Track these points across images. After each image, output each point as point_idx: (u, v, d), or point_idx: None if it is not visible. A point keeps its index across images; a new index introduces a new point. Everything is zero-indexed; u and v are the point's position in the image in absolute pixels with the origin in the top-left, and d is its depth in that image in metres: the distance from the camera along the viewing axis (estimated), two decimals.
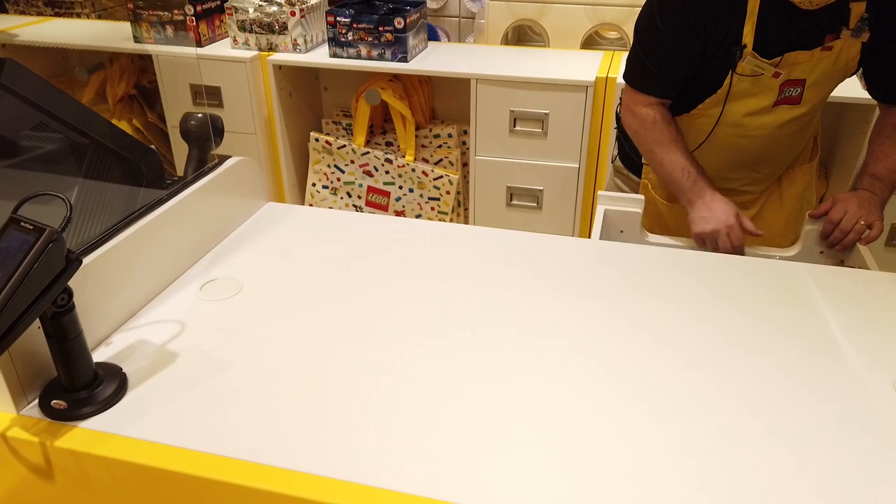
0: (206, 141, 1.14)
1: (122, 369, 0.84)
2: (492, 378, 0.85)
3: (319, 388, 0.83)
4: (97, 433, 0.78)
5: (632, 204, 1.35)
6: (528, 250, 1.13)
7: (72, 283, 0.77)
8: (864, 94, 1.62)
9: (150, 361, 0.87)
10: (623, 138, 1.59)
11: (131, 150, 1.06)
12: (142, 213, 0.99)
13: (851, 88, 1.39)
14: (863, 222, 1.26)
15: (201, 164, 1.14)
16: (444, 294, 1.01)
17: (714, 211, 1.28)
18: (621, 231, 1.38)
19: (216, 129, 1.15)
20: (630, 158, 1.54)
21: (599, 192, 1.41)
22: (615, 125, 1.65)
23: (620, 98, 1.48)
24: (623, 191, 1.59)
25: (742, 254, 1.27)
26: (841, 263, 1.31)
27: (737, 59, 1.25)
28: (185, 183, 1.09)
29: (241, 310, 0.98)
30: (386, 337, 0.92)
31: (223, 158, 1.19)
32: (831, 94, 1.38)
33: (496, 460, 0.73)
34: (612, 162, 1.64)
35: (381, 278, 1.05)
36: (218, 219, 1.14)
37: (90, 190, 1.01)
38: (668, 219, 1.49)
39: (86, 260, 0.88)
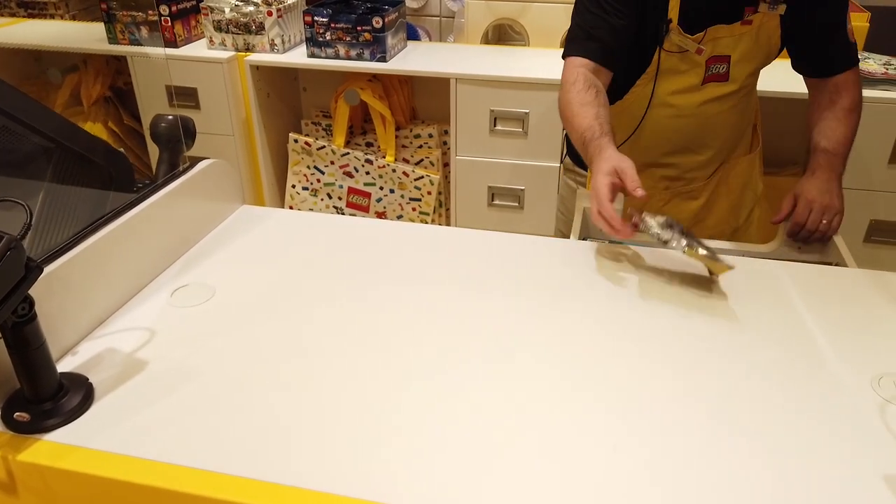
0: (176, 143, 1.12)
1: (88, 379, 0.82)
2: (470, 383, 0.84)
3: (293, 397, 0.82)
4: (62, 446, 0.75)
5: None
6: (508, 252, 1.12)
7: (34, 291, 0.74)
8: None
9: (117, 371, 0.85)
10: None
11: (99, 153, 1.04)
12: (109, 218, 0.97)
13: (796, 83, 1.42)
14: (825, 221, 1.24)
15: (172, 166, 1.12)
16: (421, 298, 1.00)
17: (595, 173, 1.12)
18: (601, 229, 1.36)
19: (187, 131, 1.13)
20: (576, 153, 1.53)
21: (579, 190, 1.41)
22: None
23: None
24: (573, 188, 1.59)
25: (622, 232, 1.06)
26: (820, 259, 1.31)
27: (663, 35, 1.26)
28: (155, 186, 1.06)
29: (213, 316, 0.96)
30: (362, 344, 0.91)
31: (195, 161, 1.17)
32: (778, 89, 1.38)
33: (474, 465, 0.72)
34: (562, 162, 1.63)
35: (357, 283, 1.03)
36: (190, 223, 1.12)
37: (56, 195, 0.99)
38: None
39: (50, 267, 0.86)
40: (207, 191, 1.16)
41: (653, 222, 1.05)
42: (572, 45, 1.31)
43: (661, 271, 1.07)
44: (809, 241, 1.27)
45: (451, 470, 0.72)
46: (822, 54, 1.36)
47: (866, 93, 1.88)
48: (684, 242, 1.01)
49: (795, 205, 1.27)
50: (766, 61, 1.37)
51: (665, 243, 1.02)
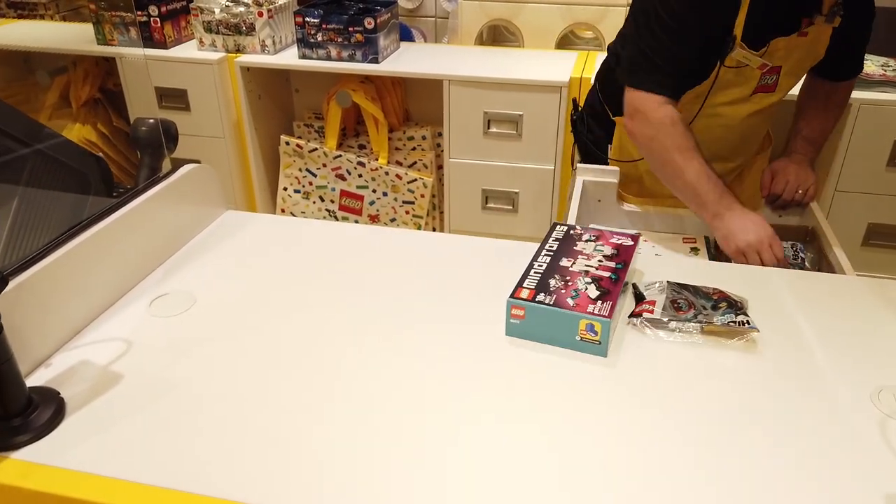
0: (157, 147, 1.08)
1: (59, 393, 0.79)
2: (458, 401, 0.81)
3: (274, 412, 0.79)
4: (30, 464, 0.72)
5: (608, 175, 1.42)
6: (498, 258, 1.09)
7: (2, 302, 0.71)
8: None
9: (90, 384, 0.82)
10: (587, 135, 1.56)
11: (76, 159, 1.01)
12: (86, 226, 0.94)
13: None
14: (800, 191, 1.39)
15: (153, 171, 1.09)
16: (409, 307, 0.97)
17: (753, 222, 1.22)
18: (598, 200, 1.44)
19: (169, 135, 1.10)
20: (594, 156, 1.51)
21: (578, 165, 1.47)
22: (579, 127, 1.62)
23: (585, 101, 1.46)
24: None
25: (786, 266, 1.20)
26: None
27: (728, 50, 1.23)
28: (134, 192, 1.03)
29: (193, 326, 0.93)
30: (347, 356, 0.88)
31: (178, 165, 1.14)
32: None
33: (461, 485, 0.69)
34: (574, 169, 1.61)
35: (343, 291, 1.00)
36: (171, 229, 1.09)
37: (31, 201, 0.96)
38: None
39: (22, 276, 0.83)
40: (190, 196, 1.13)
41: (657, 309, 0.94)
42: (650, 78, 1.26)
43: (648, 275, 1.04)
44: (787, 208, 1.42)
45: (446, 484, 0.69)
46: (846, 61, 1.39)
47: (864, 94, 1.87)
48: (695, 326, 0.91)
49: (773, 178, 1.42)
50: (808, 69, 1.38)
51: (675, 331, 0.91)
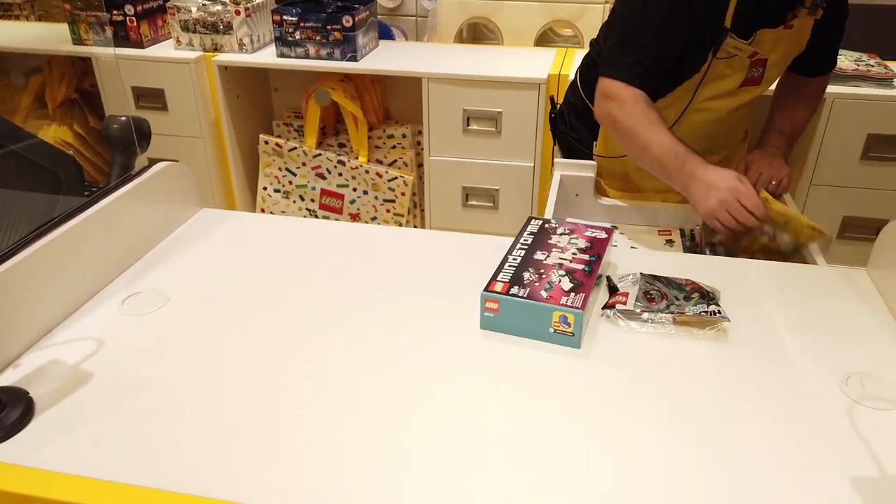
0: (129, 146, 1.08)
1: (28, 393, 0.78)
2: (431, 394, 0.81)
3: (248, 410, 0.78)
4: None
5: (586, 169, 1.45)
6: (477, 253, 1.09)
7: None
8: None
9: (61, 384, 0.81)
10: (570, 134, 1.57)
11: (46, 157, 1.00)
12: (55, 224, 0.93)
13: None
14: (774, 182, 1.41)
15: (125, 169, 1.08)
16: (386, 304, 0.97)
17: (712, 182, 1.18)
18: (576, 195, 1.47)
19: (141, 133, 1.09)
20: (580, 155, 1.52)
21: (556, 160, 1.50)
22: (559, 126, 1.63)
23: (564, 93, 1.47)
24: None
25: (765, 221, 1.17)
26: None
27: (721, 42, 1.25)
28: (105, 190, 1.02)
29: (166, 325, 0.92)
30: (323, 354, 0.87)
31: (152, 163, 1.13)
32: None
33: (439, 477, 0.69)
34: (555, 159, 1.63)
35: (320, 288, 1.00)
36: (144, 228, 1.08)
37: (0, 201, 0.95)
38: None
39: None
40: (163, 194, 1.12)
41: (630, 300, 0.94)
42: (626, 69, 1.26)
43: (622, 266, 1.04)
44: None
45: (424, 477, 0.69)
46: (823, 56, 1.43)
47: (838, 89, 1.89)
48: (667, 316, 0.91)
49: (747, 170, 1.43)
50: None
51: (648, 322, 0.92)
